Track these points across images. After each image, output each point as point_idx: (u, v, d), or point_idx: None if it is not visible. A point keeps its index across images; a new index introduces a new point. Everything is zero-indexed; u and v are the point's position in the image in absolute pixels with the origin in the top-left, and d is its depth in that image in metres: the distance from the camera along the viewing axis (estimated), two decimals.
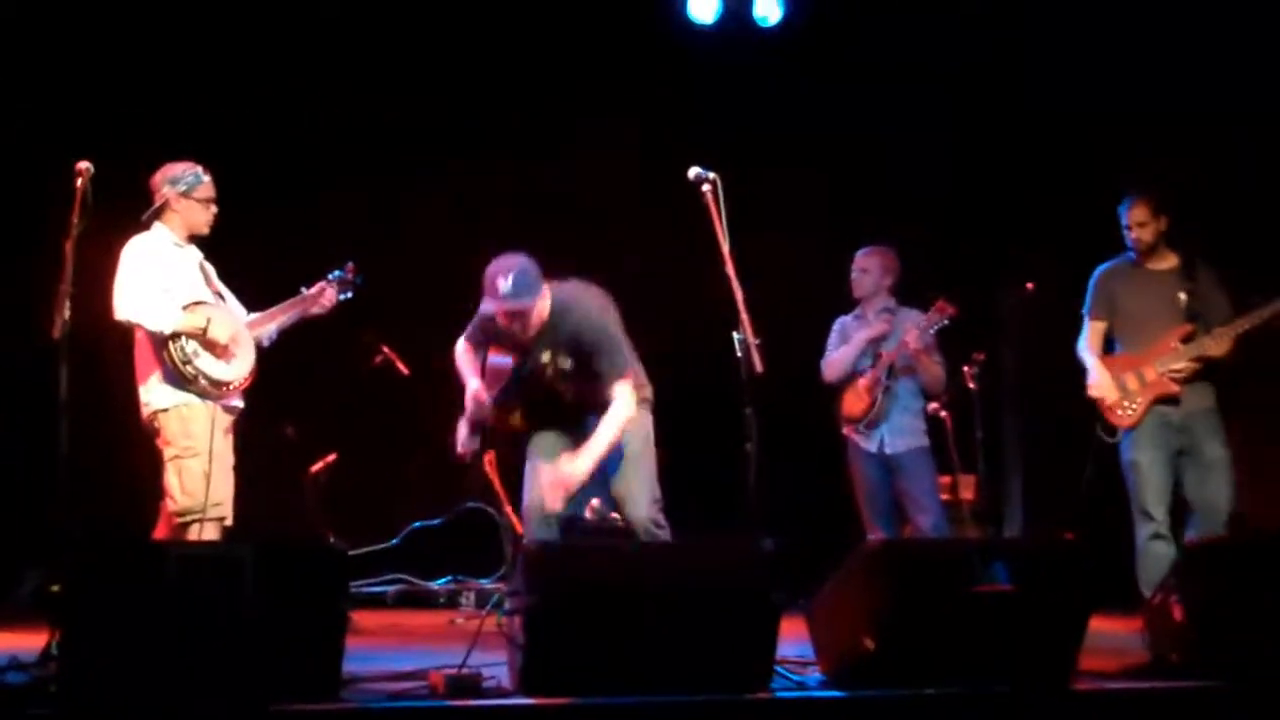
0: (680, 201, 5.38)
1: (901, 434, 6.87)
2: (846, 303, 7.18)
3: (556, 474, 5.45)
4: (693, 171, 5.35)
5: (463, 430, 5.78)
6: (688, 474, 6.38)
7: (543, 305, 5.51)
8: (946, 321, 6.77)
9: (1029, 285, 6.55)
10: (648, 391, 5.82)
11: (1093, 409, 6.40)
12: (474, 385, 5.74)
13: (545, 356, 5.61)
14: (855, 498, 6.99)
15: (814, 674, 4.67)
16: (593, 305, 5.61)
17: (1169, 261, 6.37)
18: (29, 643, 4.64)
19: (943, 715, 4.32)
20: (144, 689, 3.92)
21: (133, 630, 3.96)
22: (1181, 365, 6.20)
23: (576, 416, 5.66)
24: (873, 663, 4.39)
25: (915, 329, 6.77)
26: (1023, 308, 7.62)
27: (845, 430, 7.03)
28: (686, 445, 6.29)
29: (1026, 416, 9.16)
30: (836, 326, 7.20)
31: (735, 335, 5.27)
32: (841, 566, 4.63)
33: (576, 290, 5.63)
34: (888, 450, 6.87)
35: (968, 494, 8.03)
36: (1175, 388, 6.20)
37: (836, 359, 7.05)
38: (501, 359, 5.76)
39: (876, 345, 6.94)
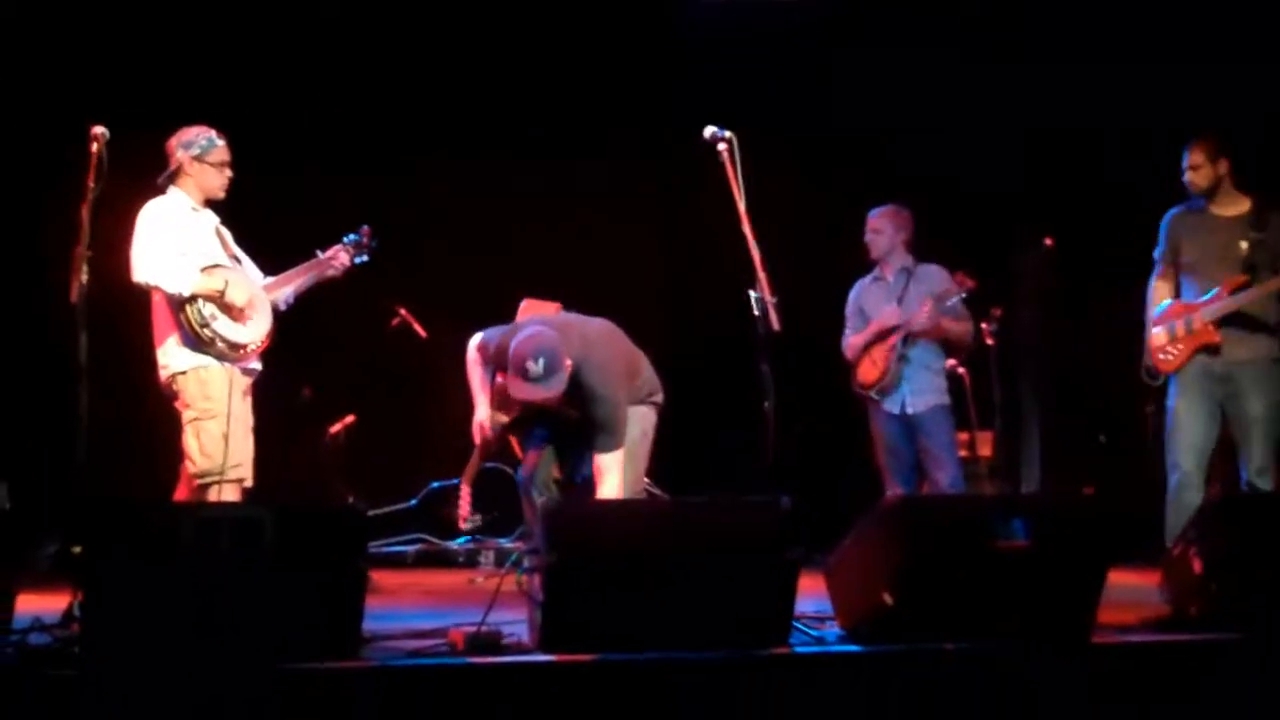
0: (696, 159, 5.37)
1: (922, 393, 6.84)
2: (863, 260, 7.15)
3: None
4: (708, 131, 5.34)
5: (474, 463, 6.07)
6: (706, 432, 6.40)
7: (564, 379, 5.47)
8: (964, 295, 6.72)
9: (1047, 241, 6.50)
10: (659, 396, 5.92)
11: (1112, 362, 6.34)
12: (482, 414, 5.85)
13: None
14: (875, 455, 6.98)
15: (832, 629, 4.68)
16: (609, 371, 5.62)
17: (1239, 207, 6.22)
18: (52, 605, 4.66)
19: (961, 670, 4.32)
20: (165, 649, 3.95)
21: (154, 591, 3.99)
22: (1226, 316, 6.08)
23: (580, 434, 5.72)
24: (891, 618, 4.40)
25: (929, 305, 6.72)
26: (1041, 264, 7.60)
27: (859, 394, 6.99)
28: (704, 403, 6.29)
29: (1044, 373, 9.14)
30: (854, 294, 7.14)
31: (752, 294, 5.27)
32: (859, 523, 4.64)
33: (597, 342, 5.67)
34: (909, 410, 6.83)
35: (985, 450, 8.04)
36: (1216, 337, 6.07)
37: (856, 343, 6.99)
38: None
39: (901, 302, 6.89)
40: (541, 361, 5.38)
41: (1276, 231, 6.12)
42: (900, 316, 6.84)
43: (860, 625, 4.52)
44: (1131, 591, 5.21)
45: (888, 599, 4.40)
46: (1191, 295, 6.24)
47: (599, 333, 5.74)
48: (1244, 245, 6.11)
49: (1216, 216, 6.24)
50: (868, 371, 6.92)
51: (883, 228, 6.99)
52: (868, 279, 7.13)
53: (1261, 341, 6.12)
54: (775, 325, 5.19)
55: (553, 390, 5.42)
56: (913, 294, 6.90)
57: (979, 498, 6.65)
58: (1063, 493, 7.28)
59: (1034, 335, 9.13)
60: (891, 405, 6.86)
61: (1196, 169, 6.20)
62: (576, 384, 5.52)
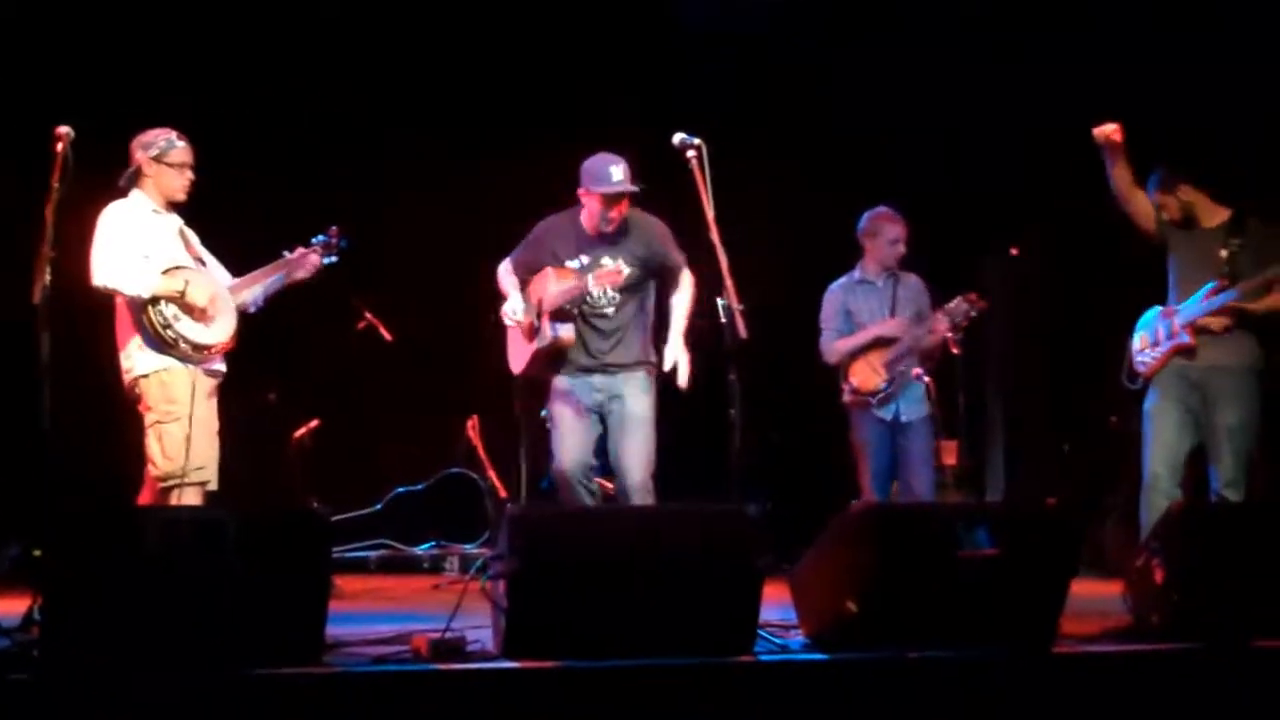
0: (665, 167, 5.37)
1: (914, 404, 6.75)
2: (831, 266, 7.11)
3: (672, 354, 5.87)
4: (677, 137, 5.34)
5: (514, 347, 6.14)
6: (672, 440, 6.39)
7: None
8: (975, 314, 6.64)
9: (1013, 250, 6.52)
10: (655, 357, 6.04)
11: (1077, 372, 6.37)
12: (512, 302, 6.05)
13: (612, 261, 5.87)
14: (855, 461, 6.87)
15: (797, 637, 4.69)
16: (660, 221, 6.06)
17: (1219, 217, 6.22)
18: (11, 608, 4.63)
19: (925, 678, 4.33)
20: (126, 654, 3.92)
21: (115, 595, 3.96)
22: (1207, 320, 6.08)
23: (609, 349, 5.99)
24: (855, 626, 4.41)
25: (943, 325, 6.63)
26: (1007, 272, 7.64)
27: (851, 399, 6.87)
28: (671, 411, 6.29)
29: (1009, 382, 9.18)
30: (836, 295, 6.99)
31: (719, 301, 5.28)
32: (825, 531, 4.64)
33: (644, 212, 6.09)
34: (902, 419, 6.75)
35: (950, 459, 8.04)
36: (1192, 341, 6.08)
37: (842, 348, 6.86)
38: (562, 283, 5.98)
39: (893, 312, 6.81)
40: (623, 165, 5.85)
41: (1256, 237, 6.12)
42: (903, 328, 6.75)
43: (825, 633, 4.53)
44: (1094, 602, 5.24)
45: (852, 607, 4.41)
46: (1174, 302, 6.25)
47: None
48: (1224, 253, 6.12)
49: (1202, 228, 6.24)
50: (867, 379, 6.78)
51: (900, 236, 6.85)
52: (849, 280, 6.99)
53: (1239, 349, 6.09)
54: (742, 333, 5.19)
55: (631, 186, 5.85)
56: (903, 301, 6.83)
57: (944, 507, 6.64)
58: (1027, 502, 7.30)
59: (1000, 344, 9.16)
60: (885, 413, 6.77)
61: (1164, 208, 6.24)
62: (641, 238, 5.98)
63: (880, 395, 6.75)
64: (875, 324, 6.84)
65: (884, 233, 6.87)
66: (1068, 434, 9.04)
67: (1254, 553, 4.77)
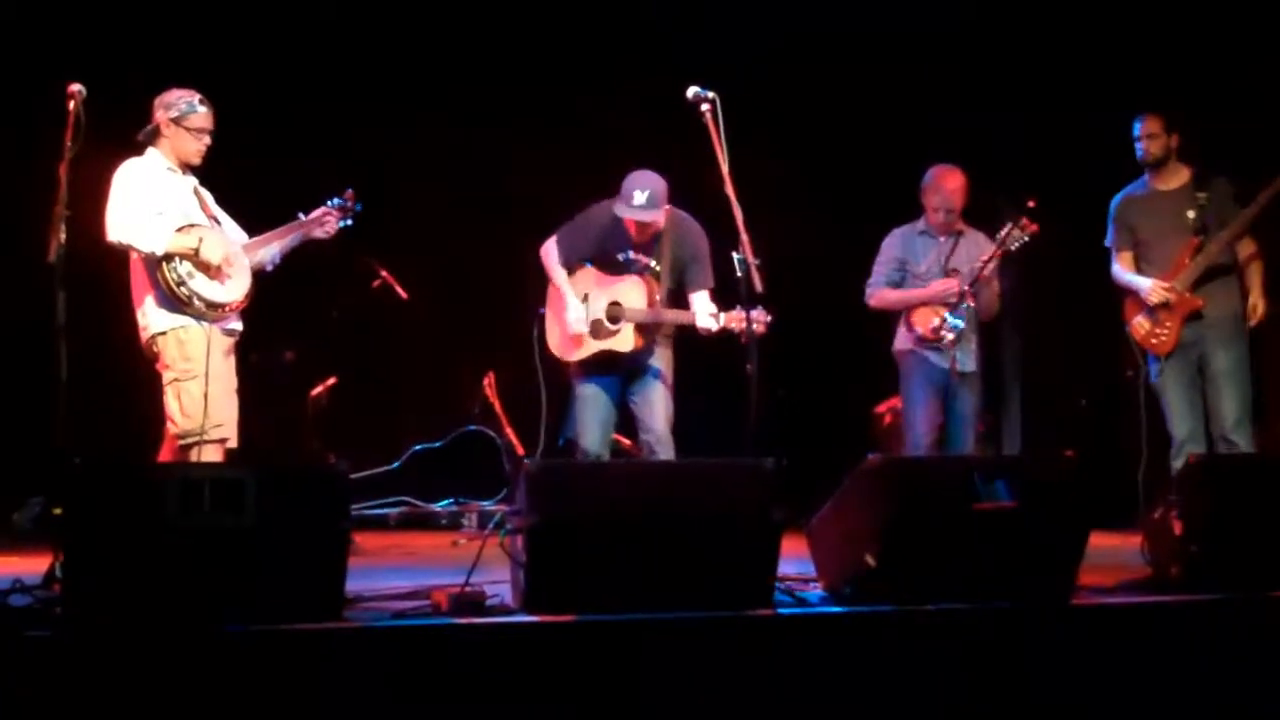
0: (680, 120, 5.34)
1: (972, 354, 6.62)
2: (842, 227, 7.07)
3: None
4: (691, 91, 5.32)
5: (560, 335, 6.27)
6: (689, 394, 6.40)
7: (662, 216, 6.10)
8: (1027, 239, 6.44)
9: (1030, 202, 6.46)
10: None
11: (1092, 326, 6.38)
12: (573, 312, 6.18)
13: (653, 263, 6.16)
14: (906, 411, 6.76)
15: (815, 590, 4.70)
16: (697, 227, 6.21)
17: (1180, 178, 6.39)
18: (33, 566, 4.65)
19: (943, 631, 4.34)
20: (147, 610, 3.94)
21: (135, 552, 3.98)
22: (1196, 279, 6.22)
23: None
24: (873, 579, 4.42)
25: (994, 250, 6.47)
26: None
27: (912, 345, 6.68)
28: (688, 366, 6.30)
29: (1025, 336, 9.14)
30: (894, 242, 6.82)
31: (735, 256, 5.26)
32: (842, 484, 4.64)
33: (686, 215, 6.25)
34: (959, 368, 6.58)
35: None
36: (1199, 301, 6.22)
37: (894, 300, 6.74)
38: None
39: (947, 265, 6.68)
40: (649, 193, 6.00)
41: (1217, 193, 6.29)
42: (962, 284, 6.54)
43: (843, 586, 4.54)
44: (1113, 554, 5.24)
45: (870, 560, 4.42)
46: (1153, 273, 6.36)
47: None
48: (1190, 214, 6.29)
49: (1162, 192, 6.42)
50: (928, 323, 6.60)
51: (946, 204, 6.68)
52: (910, 229, 6.82)
53: (1224, 299, 6.28)
54: (758, 287, 5.18)
55: (655, 215, 6.04)
56: (962, 256, 6.65)
57: (961, 459, 6.60)
58: (1045, 455, 7.28)
59: (1016, 299, 9.11)
60: (943, 360, 6.60)
61: (1153, 138, 6.35)
62: (678, 241, 6.16)
63: (944, 343, 6.55)
64: (929, 286, 6.65)
65: (933, 195, 6.73)
66: (1084, 388, 9.03)
67: (1272, 504, 4.78)
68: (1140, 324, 6.36)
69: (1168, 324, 6.27)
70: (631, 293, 6.14)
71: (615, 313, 6.15)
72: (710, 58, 5.35)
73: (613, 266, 6.23)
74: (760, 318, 5.53)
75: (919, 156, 6.93)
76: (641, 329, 6.13)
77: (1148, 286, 6.31)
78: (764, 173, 5.32)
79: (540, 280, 6.40)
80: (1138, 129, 6.38)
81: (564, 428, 6.63)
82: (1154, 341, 6.32)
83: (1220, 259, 6.25)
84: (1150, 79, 7.74)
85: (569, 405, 6.36)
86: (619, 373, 6.21)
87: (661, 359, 6.20)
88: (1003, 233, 6.47)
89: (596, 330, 6.18)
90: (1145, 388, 6.38)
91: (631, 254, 6.18)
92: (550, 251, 6.30)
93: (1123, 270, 6.48)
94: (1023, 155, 8.48)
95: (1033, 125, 8.55)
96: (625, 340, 6.11)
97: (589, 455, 6.15)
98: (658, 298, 6.14)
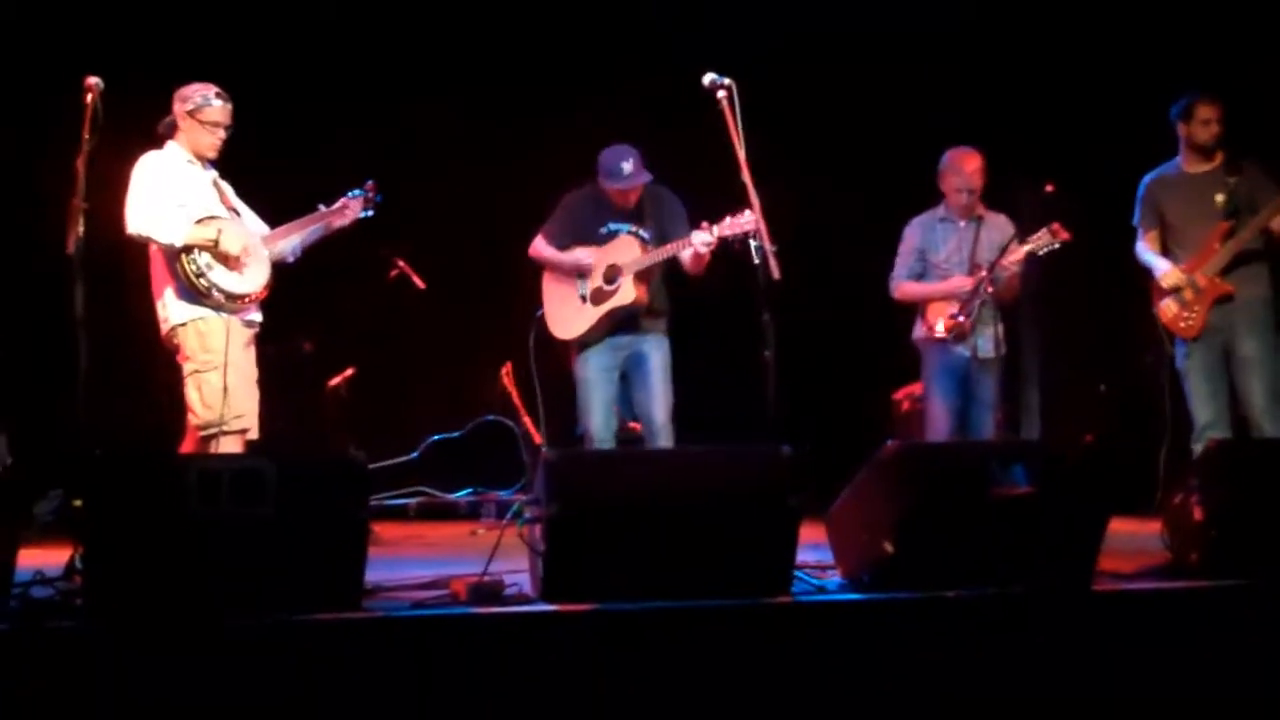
0: (696, 107, 5.33)
1: (993, 340, 6.59)
2: (862, 209, 7.05)
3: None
4: (707, 78, 5.30)
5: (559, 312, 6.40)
6: (707, 382, 6.41)
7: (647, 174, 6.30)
8: (1057, 246, 6.43)
9: (1049, 186, 6.43)
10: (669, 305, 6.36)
11: (1112, 312, 6.36)
12: (583, 256, 6.33)
13: (634, 227, 6.29)
14: (927, 398, 6.76)
15: (833, 578, 4.70)
16: (669, 191, 6.41)
17: (1211, 163, 6.35)
18: (54, 558, 4.67)
19: (962, 618, 4.33)
20: (167, 602, 3.96)
21: (155, 544, 3.99)
22: (1226, 264, 6.20)
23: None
24: (892, 566, 4.41)
25: (1021, 252, 6.44)
26: (1042, 209, 7.53)
27: (929, 334, 6.67)
28: (705, 353, 6.30)
29: (1045, 322, 9.12)
30: (915, 232, 6.79)
31: (752, 242, 5.25)
32: (861, 471, 4.64)
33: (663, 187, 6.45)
34: (980, 355, 6.56)
35: None
36: (1229, 287, 6.20)
37: (915, 294, 6.72)
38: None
39: (973, 256, 6.62)
40: (633, 160, 6.19)
41: (1249, 177, 6.25)
42: (973, 287, 6.50)
43: (861, 573, 4.53)
44: (1132, 540, 5.22)
45: (889, 547, 4.41)
46: (1183, 258, 6.33)
47: None
48: (1220, 198, 6.25)
49: (1191, 175, 6.39)
50: (937, 324, 6.61)
51: (966, 186, 6.63)
52: (930, 217, 6.79)
53: (1253, 283, 6.25)
54: (775, 273, 5.17)
55: (644, 178, 6.21)
56: (984, 245, 6.61)
57: (980, 445, 6.59)
58: (1064, 440, 7.26)
59: (1035, 283, 9.08)
60: (963, 348, 6.58)
61: (1209, 123, 6.29)
62: (656, 205, 6.32)
63: (957, 333, 6.53)
64: (950, 280, 6.62)
65: (952, 178, 6.68)
66: (1103, 373, 9.00)
67: None
68: (1168, 307, 6.33)
69: (1196, 308, 6.25)
70: (624, 251, 6.28)
71: (612, 273, 6.25)
72: (710, 58, 5.31)
73: (601, 240, 6.34)
74: (746, 221, 5.60)
75: (927, 148, 6.91)
76: (641, 278, 6.20)
77: (1164, 269, 6.30)
78: (763, 172, 5.29)
79: (535, 283, 6.50)
80: (1193, 112, 6.29)
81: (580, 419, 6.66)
82: (1181, 325, 6.29)
83: (1251, 244, 6.20)
84: (1169, 65, 7.69)
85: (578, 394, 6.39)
86: (622, 351, 6.30)
87: (660, 348, 6.29)
88: (1034, 238, 6.45)
89: (598, 297, 6.28)
90: (1170, 371, 6.38)
91: (614, 224, 6.32)
92: (540, 246, 6.45)
93: (1145, 249, 6.46)
94: (1040, 138, 8.47)
95: (1050, 107, 8.52)
96: (626, 293, 6.21)
97: (593, 436, 6.24)
98: (650, 248, 6.25)
